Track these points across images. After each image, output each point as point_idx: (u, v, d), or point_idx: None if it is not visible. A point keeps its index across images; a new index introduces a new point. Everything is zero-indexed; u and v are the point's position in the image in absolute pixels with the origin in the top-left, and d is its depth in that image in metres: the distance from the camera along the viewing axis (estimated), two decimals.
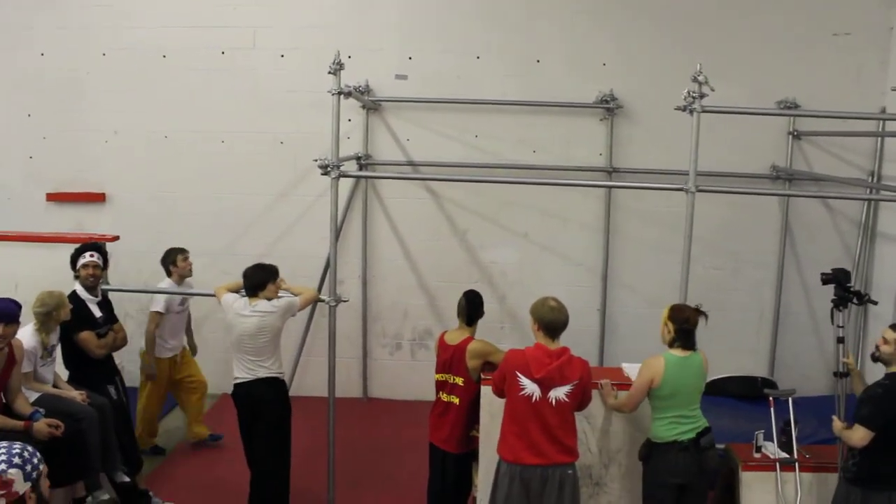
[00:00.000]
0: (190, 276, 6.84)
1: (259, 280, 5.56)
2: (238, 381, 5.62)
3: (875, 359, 4.75)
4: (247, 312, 5.50)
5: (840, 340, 5.31)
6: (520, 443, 4.55)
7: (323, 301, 6.03)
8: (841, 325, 5.32)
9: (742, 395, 7.36)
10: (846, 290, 5.28)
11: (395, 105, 8.11)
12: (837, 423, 4.87)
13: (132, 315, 8.26)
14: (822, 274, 5.41)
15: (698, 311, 4.81)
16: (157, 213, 8.28)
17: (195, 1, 8.03)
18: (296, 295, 5.77)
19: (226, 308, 5.65)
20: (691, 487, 4.79)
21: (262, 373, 5.56)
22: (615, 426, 5.23)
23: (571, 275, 8.24)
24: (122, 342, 6.12)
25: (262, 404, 5.59)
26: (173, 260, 6.74)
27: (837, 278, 5.31)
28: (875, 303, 6.14)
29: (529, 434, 4.53)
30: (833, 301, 5.32)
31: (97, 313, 5.91)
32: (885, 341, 4.63)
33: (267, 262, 5.79)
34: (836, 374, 5.31)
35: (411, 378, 8.30)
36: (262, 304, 5.52)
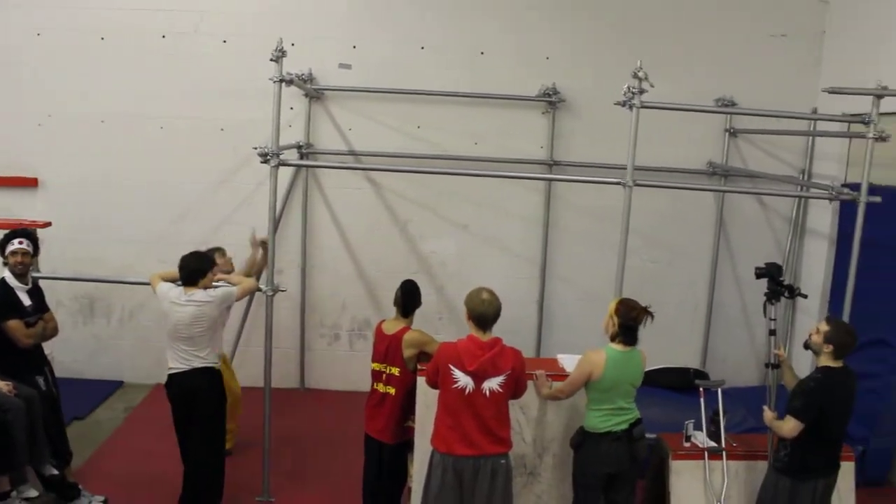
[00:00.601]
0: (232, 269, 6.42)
1: (196, 268, 5.47)
2: (172, 371, 5.52)
3: (806, 346, 4.96)
4: (183, 301, 5.41)
5: (772, 333, 5.47)
6: (453, 434, 4.58)
7: (261, 290, 5.97)
8: (773, 318, 5.47)
9: (674, 386, 7.49)
10: (778, 284, 5.43)
11: (337, 94, 8.05)
12: (768, 413, 5.02)
13: (65, 304, 8.12)
14: (756, 268, 5.55)
15: (646, 311, 4.85)
16: (92, 199, 8.08)
17: None
18: (234, 285, 5.71)
19: (161, 297, 5.55)
20: (621, 476, 4.89)
21: (198, 363, 5.47)
22: (549, 416, 5.30)
23: (510, 266, 8.31)
24: (52, 332, 5.96)
25: (197, 395, 5.50)
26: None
27: (770, 272, 5.46)
28: (805, 296, 6.32)
29: (462, 426, 4.56)
30: (766, 294, 5.46)
31: (26, 301, 5.73)
32: (818, 332, 4.81)
33: (205, 250, 5.72)
34: (767, 365, 5.46)
35: (349, 368, 8.28)
36: (198, 293, 5.44)
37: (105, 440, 7.00)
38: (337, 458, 6.78)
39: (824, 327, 4.79)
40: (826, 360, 4.76)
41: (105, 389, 8.05)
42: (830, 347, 4.72)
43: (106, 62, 7.90)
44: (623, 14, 8.02)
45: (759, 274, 5.51)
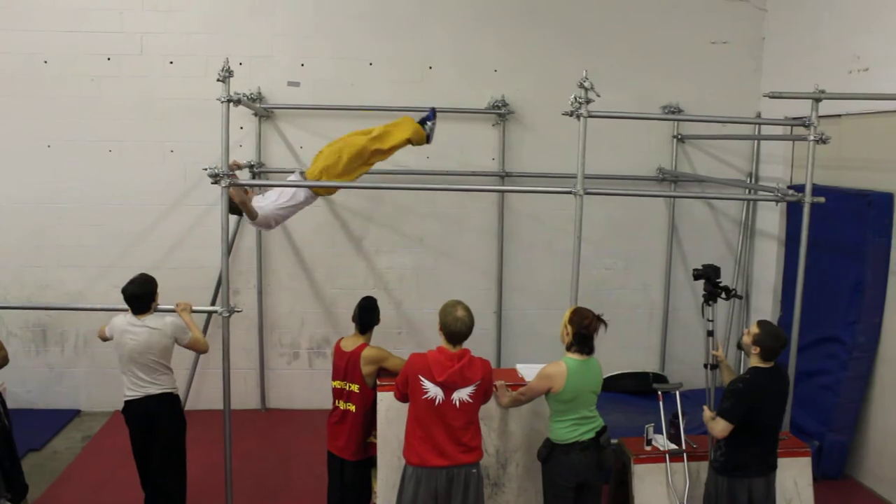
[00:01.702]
0: None
1: (141, 293, 5.40)
2: (129, 398, 5.45)
3: (738, 346, 5.09)
4: (137, 322, 5.35)
5: (710, 333, 5.56)
6: (424, 446, 4.60)
7: (216, 312, 5.91)
8: (710, 318, 5.56)
9: (634, 390, 7.59)
10: (715, 286, 5.52)
11: (287, 112, 8.02)
12: (707, 413, 5.05)
13: (16, 333, 7.96)
14: (694, 270, 5.66)
15: (599, 319, 4.86)
16: (41, 225, 7.92)
17: (77, 4, 7.71)
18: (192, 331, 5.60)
19: (111, 332, 5.47)
20: (588, 484, 4.90)
21: (155, 389, 5.42)
22: (511, 426, 5.33)
23: (467, 278, 8.33)
24: (2, 361, 5.84)
25: (156, 420, 5.45)
26: None
27: (707, 274, 5.55)
28: (741, 297, 6.41)
29: (433, 437, 4.58)
30: (703, 296, 5.56)
31: None
32: (748, 333, 4.90)
33: (159, 274, 5.64)
34: (706, 365, 5.55)
35: (310, 387, 8.23)
36: (150, 318, 5.39)
37: (63, 471, 6.84)
38: (300, 477, 6.73)
39: (754, 330, 4.86)
40: (755, 361, 4.85)
41: (61, 419, 7.88)
42: (758, 349, 4.81)
43: (50, 85, 7.76)
44: (568, 25, 8.13)
45: (697, 276, 5.61)
